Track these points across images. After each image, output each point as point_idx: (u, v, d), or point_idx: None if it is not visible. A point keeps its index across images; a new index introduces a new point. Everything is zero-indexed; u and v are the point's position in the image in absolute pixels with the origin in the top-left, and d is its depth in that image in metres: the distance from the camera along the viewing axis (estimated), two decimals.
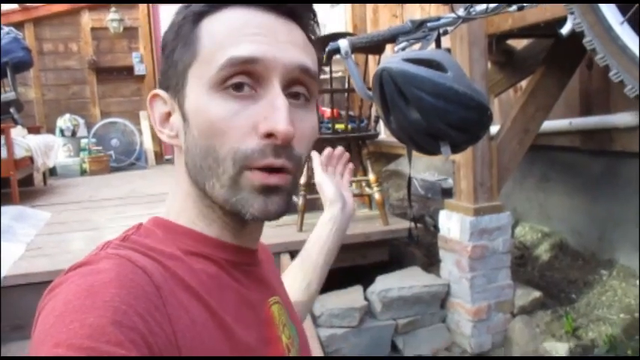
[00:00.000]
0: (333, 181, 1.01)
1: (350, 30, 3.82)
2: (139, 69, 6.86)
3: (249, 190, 0.55)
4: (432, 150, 1.23)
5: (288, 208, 0.58)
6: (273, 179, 0.55)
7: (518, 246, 3.35)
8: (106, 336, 0.42)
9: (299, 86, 0.58)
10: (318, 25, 0.63)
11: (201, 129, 0.56)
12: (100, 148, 6.42)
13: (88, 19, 6.70)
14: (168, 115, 0.61)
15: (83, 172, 6.19)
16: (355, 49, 1.31)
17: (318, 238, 0.95)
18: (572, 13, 0.94)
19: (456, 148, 1.21)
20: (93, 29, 6.72)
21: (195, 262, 0.57)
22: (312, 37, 0.61)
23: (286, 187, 0.57)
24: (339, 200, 0.99)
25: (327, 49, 1.30)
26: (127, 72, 6.87)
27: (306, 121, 0.58)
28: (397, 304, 2.49)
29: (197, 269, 0.56)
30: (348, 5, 3.56)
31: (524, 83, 3.03)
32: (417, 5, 3.58)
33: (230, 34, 0.55)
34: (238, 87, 0.54)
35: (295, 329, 0.68)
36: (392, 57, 1.19)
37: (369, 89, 1.30)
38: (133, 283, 0.48)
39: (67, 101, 6.73)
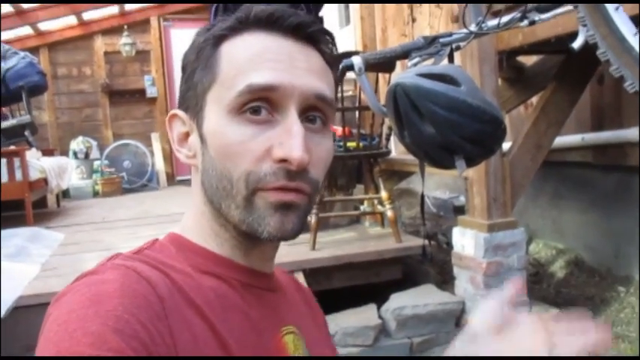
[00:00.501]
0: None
1: (360, 49, 3.85)
2: (151, 92, 6.97)
3: (264, 208, 0.56)
4: (446, 164, 1.22)
5: (303, 229, 0.58)
6: (289, 196, 0.56)
7: (532, 263, 3.32)
8: (107, 344, 0.43)
9: (315, 111, 0.58)
10: (336, 48, 0.64)
11: (217, 151, 0.57)
12: (112, 169, 6.50)
13: (101, 43, 6.84)
14: (187, 135, 0.62)
15: (96, 194, 6.25)
16: (368, 65, 1.32)
17: None
18: (584, 25, 0.95)
19: (470, 162, 1.21)
20: (106, 53, 6.85)
21: (205, 279, 0.57)
22: (330, 60, 0.62)
23: (302, 205, 0.57)
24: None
25: (340, 66, 1.31)
26: (139, 95, 6.98)
27: (322, 145, 0.59)
28: (412, 322, 2.46)
29: (205, 287, 0.56)
30: (358, 25, 3.62)
31: (534, 99, 3.03)
32: (426, 24, 3.61)
33: (249, 60, 0.56)
34: (256, 111, 0.55)
35: None
36: (405, 72, 1.20)
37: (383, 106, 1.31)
38: (137, 293, 0.48)
39: (80, 124, 6.84)
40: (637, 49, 0.86)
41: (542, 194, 3.51)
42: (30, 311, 2.23)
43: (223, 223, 0.59)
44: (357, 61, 1.31)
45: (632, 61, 0.87)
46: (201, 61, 0.59)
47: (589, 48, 1.95)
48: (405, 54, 1.31)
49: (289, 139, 0.54)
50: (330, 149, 0.61)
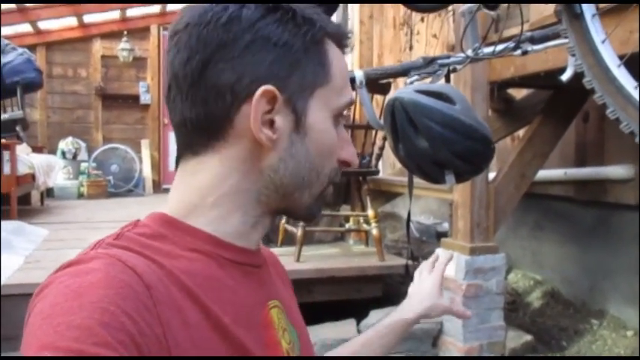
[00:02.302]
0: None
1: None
2: (145, 98, 7.01)
3: (323, 200, 0.65)
4: (436, 178, 1.27)
5: None
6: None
7: (510, 292, 3.38)
8: (93, 337, 0.42)
9: None
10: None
11: (319, 148, 0.61)
12: (99, 172, 6.48)
13: (99, 46, 6.89)
14: (270, 112, 0.58)
15: (80, 195, 6.22)
16: (369, 80, 1.39)
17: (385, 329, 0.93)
18: (573, 55, 1.03)
19: (459, 178, 1.26)
20: (103, 57, 6.90)
21: (194, 259, 0.56)
22: None
23: None
24: (432, 299, 0.97)
25: None
26: (132, 100, 7.02)
27: None
28: None
29: (194, 268, 0.55)
30: (356, 48, 3.73)
31: (521, 132, 3.13)
32: (422, 52, 3.72)
33: (344, 75, 0.64)
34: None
35: (296, 334, 0.67)
36: (404, 88, 1.27)
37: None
38: (122, 283, 0.47)
39: (71, 125, 6.84)
40: (620, 79, 0.94)
41: (524, 225, 3.60)
42: (11, 301, 2.23)
43: (281, 207, 0.64)
44: (358, 74, 1.38)
45: (615, 90, 0.95)
46: (313, 56, 0.60)
47: (576, 86, 2.04)
48: (404, 72, 1.38)
49: (347, 145, 0.65)
50: None
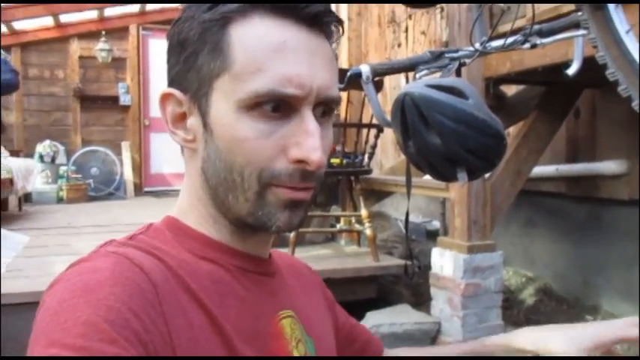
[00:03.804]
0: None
1: (347, 67, 3.91)
2: (125, 99, 6.87)
3: (275, 205, 0.55)
4: (448, 176, 1.23)
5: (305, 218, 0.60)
6: (301, 195, 0.56)
7: (503, 290, 3.37)
8: (99, 334, 0.42)
9: (323, 106, 0.57)
10: (342, 31, 0.62)
11: (228, 145, 0.54)
12: (79, 176, 6.32)
13: (76, 47, 6.72)
14: (183, 116, 0.58)
15: (60, 200, 6.06)
16: (376, 74, 1.34)
17: None
18: (595, 47, 1.00)
19: (471, 175, 1.22)
20: (81, 57, 6.74)
21: (202, 265, 0.56)
22: (335, 45, 0.60)
23: (309, 200, 0.58)
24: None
25: (348, 74, 1.32)
26: (111, 102, 6.86)
27: (328, 135, 0.58)
28: (388, 340, 2.45)
29: (201, 272, 0.55)
30: (345, 45, 3.70)
31: (511, 129, 3.12)
32: (410, 50, 3.70)
33: (267, 56, 0.52)
34: (273, 109, 0.53)
35: (313, 346, 0.64)
36: (414, 83, 1.22)
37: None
38: (129, 280, 0.47)
39: (49, 127, 6.66)
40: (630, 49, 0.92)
41: (515, 222, 3.59)
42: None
43: (223, 211, 0.58)
44: (365, 69, 1.32)
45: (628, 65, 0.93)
46: (208, 43, 0.54)
47: (569, 82, 2.00)
48: (412, 66, 1.33)
49: (306, 139, 0.53)
50: (332, 137, 0.60)
